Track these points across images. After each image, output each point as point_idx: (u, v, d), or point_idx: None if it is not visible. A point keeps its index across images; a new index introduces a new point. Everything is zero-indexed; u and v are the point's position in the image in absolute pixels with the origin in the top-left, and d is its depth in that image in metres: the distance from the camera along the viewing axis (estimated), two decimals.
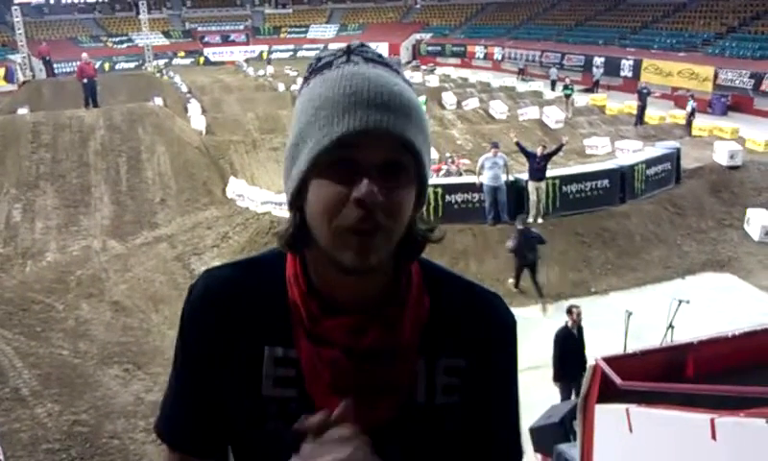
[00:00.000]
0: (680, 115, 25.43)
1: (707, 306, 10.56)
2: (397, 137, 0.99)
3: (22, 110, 22.94)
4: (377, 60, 1.05)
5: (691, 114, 24.21)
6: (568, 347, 8.95)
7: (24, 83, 31.42)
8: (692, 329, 7.47)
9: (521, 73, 39.53)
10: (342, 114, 0.98)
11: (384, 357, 1.10)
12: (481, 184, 14.04)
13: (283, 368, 1.13)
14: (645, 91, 25.93)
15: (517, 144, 15.09)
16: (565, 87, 27.94)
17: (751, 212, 14.87)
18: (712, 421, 3.61)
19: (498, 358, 1.20)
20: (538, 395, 7.75)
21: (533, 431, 6.94)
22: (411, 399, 1.14)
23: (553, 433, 6.68)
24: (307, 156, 1.01)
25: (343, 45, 1.09)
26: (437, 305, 1.16)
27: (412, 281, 1.15)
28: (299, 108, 1.06)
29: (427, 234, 1.13)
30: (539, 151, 14.43)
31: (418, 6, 57.66)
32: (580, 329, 9.18)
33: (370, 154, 0.99)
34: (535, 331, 9.60)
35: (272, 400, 1.13)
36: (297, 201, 1.06)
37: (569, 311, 9.24)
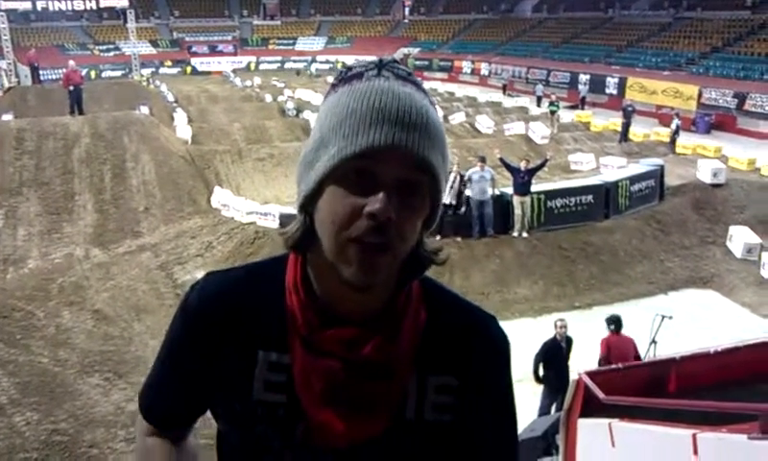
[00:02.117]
0: (664, 133, 25.66)
1: (689, 322, 10.63)
2: (419, 157, 0.99)
3: (6, 117, 22.76)
4: (407, 77, 1.05)
5: (675, 132, 24.44)
6: (552, 358, 8.99)
7: (9, 89, 31.19)
8: (675, 345, 7.53)
9: (506, 89, 39.75)
10: (368, 127, 0.98)
11: (379, 371, 1.10)
12: (468, 198, 14.09)
13: (275, 373, 1.13)
14: (630, 109, 26.15)
15: (501, 160, 15.15)
16: (551, 104, 28.11)
17: (733, 230, 15.01)
18: (694, 436, 3.62)
19: (492, 380, 1.20)
20: (525, 408, 7.75)
21: None
22: (400, 415, 1.13)
23: (536, 447, 6.68)
24: (327, 162, 1.01)
25: (375, 58, 1.09)
26: (433, 323, 1.16)
27: (411, 296, 1.14)
28: (322, 114, 1.06)
29: (432, 256, 1.13)
30: (522, 165, 14.50)
31: (406, 20, 57.96)
32: (569, 342, 9.22)
33: (389, 170, 0.99)
34: (523, 345, 9.59)
35: (262, 404, 1.13)
36: (308, 204, 1.06)
37: (555, 325, 9.33)
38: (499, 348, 1.20)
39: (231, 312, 1.15)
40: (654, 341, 8.57)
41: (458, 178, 13.84)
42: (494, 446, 1.22)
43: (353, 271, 1.01)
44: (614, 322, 9.25)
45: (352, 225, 0.99)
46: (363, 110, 0.99)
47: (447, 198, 13.47)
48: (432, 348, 1.15)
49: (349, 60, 49.55)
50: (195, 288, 1.20)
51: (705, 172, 17.75)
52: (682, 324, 9.52)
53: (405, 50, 51.55)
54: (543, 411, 8.74)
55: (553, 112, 27.54)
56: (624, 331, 9.30)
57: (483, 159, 14.37)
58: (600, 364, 9.04)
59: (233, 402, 1.15)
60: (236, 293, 1.17)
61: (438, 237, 12.76)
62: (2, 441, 7.93)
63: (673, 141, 24.34)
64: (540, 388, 9.03)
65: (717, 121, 28.59)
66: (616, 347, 8.96)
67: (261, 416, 1.13)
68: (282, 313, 1.13)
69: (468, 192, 14.11)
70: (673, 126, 24.66)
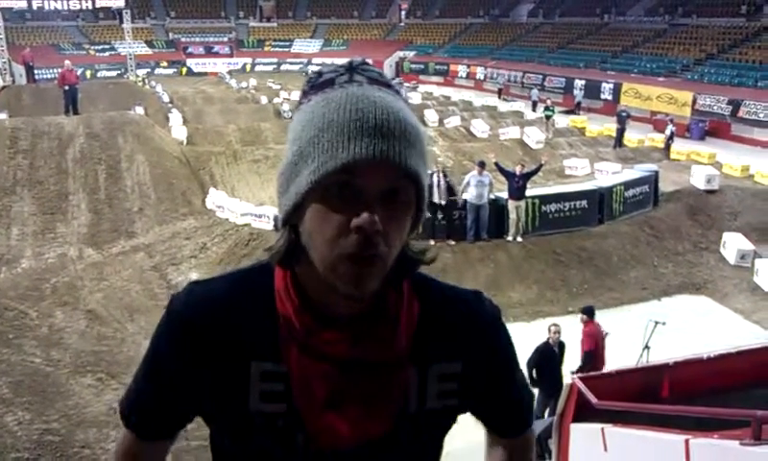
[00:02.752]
0: (658, 139, 25.74)
1: (682, 328, 10.65)
2: (401, 167, 0.99)
3: (1, 115, 22.71)
4: (380, 80, 1.04)
5: (670, 138, 24.51)
6: (545, 363, 9.00)
7: (3, 88, 31.11)
8: (668, 351, 7.54)
9: (501, 93, 39.80)
10: (347, 140, 0.97)
11: (379, 369, 1.10)
12: (464, 202, 14.11)
13: (271, 383, 1.12)
14: (624, 114, 26.20)
15: (496, 165, 15.15)
16: (546, 108, 28.16)
17: (727, 236, 15.06)
18: (687, 441, 3.63)
19: (493, 353, 1.24)
20: None
21: None
22: (403, 409, 1.14)
23: None
24: (308, 177, 0.99)
25: (344, 61, 1.07)
26: (425, 312, 1.16)
27: (402, 291, 1.15)
28: (298, 125, 1.04)
29: (420, 256, 1.14)
30: (517, 169, 14.52)
31: (402, 24, 57.96)
32: (561, 347, 9.25)
33: (372, 181, 0.98)
34: (517, 349, 9.58)
35: (259, 415, 1.13)
36: (291, 218, 1.05)
37: (549, 329, 9.35)
38: (494, 320, 1.25)
39: (219, 322, 1.13)
40: (647, 346, 8.60)
41: (440, 175, 13.84)
42: (508, 393, 1.32)
43: (347, 285, 1.01)
44: (589, 311, 9.61)
45: (341, 240, 0.98)
46: (340, 122, 0.97)
47: (436, 197, 13.54)
48: (429, 338, 1.15)
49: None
50: (179, 297, 1.17)
51: (699, 178, 17.80)
52: (675, 330, 9.54)
53: (401, 53, 51.59)
54: (536, 416, 8.75)
55: (548, 117, 27.59)
56: (617, 337, 9.35)
57: (482, 164, 14.36)
58: (587, 358, 9.16)
59: (227, 414, 1.14)
60: (223, 302, 1.15)
61: (431, 242, 12.79)
62: None
63: (668, 147, 24.43)
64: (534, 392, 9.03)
65: (711, 127, 28.68)
66: (598, 335, 9.41)
67: (260, 427, 1.12)
68: (274, 321, 1.11)
69: (465, 196, 14.12)
70: (667, 132, 24.75)
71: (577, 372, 8.15)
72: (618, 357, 8.84)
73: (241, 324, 1.13)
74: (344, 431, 1.09)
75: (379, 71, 1.07)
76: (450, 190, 14.01)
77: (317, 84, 1.05)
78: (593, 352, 9.23)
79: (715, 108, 28.86)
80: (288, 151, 1.04)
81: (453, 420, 1.24)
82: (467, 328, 1.19)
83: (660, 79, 33.96)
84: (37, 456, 7.77)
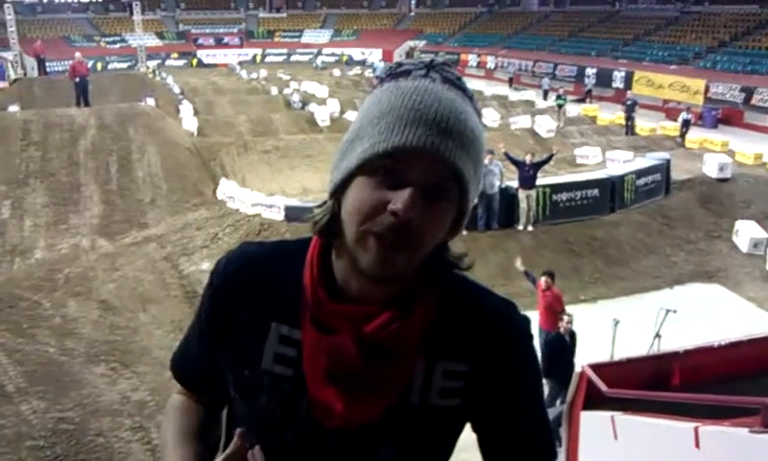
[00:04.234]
0: (670, 127, 25.54)
1: (694, 317, 10.62)
2: (449, 164, 1.00)
3: (13, 108, 22.85)
4: (455, 82, 1.06)
5: (684, 126, 24.25)
6: (558, 353, 9.00)
7: (15, 80, 31.27)
8: (679, 339, 7.51)
9: (512, 82, 39.62)
10: (403, 127, 0.99)
11: (383, 353, 1.11)
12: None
13: (285, 346, 1.15)
14: (630, 102, 25.94)
15: (506, 154, 15.10)
16: (558, 97, 27.98)
17: (739, 224, 14.98)
18: (696, 429, 3.63)
19: (508, 365, 1.18)
20: None
21: None
22: (404, 399, 1.14)
23: None
24: (359, 154, 1.03)
25: (427, 57, 1.11)
26: (446, 307, 1.16)
27: (425, 286, 1.15)
28: (364, 106, 1.08)
29: (457, 262, 1.16)
30: (527, 159, 14.48)
31: (412, 13, 57.78)
32: (573, 336, 9.25)
33: (418, 171, 1.00)
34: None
35: (268, 374, 1.16)
36: (338, 192, 1.08)
37: (561, 319, 9.34)
38: (516, 333, 1.20)
39: (250, 279, 1.19)
40: (658, 335, 8.56)
41: None
42: (525, 424, 1.21)
43: (370, 261, 1.03)
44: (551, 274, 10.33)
45: (375, 218, 1.01)
46: (401, 109, 1.00)
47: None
48: (444, 334, 1.15)
49: (356, 52, 49.64)
50: (225, 255, 1.26)
51: (711, 166, 17.69)
52: (687, 318, 9.52)
53: (411, 43, 51.41)
54: (548, 404, 8.76)
55: (560, 106, 27.41)
56: (629, 326, 9.35)
57: (491, 152, 14.31)
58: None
59: (242, 369, 1.18)
60: (260, 264, 1.22)
61: None
62: (9, 429, 7.98)
63: (682, 135, 24.18)
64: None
65: (724, 115, 28.42)
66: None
67: (267, 386, 1.16)
68: (299, 290, 1.15)
69: None
70: (680, 120, 24.51)
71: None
72: (630, 346, 8.81)
73: (271, 285, 1.18)
74: (338, 408, 1.11)
75: (457, 74, 1.09)
76: None
77: (394, 73, 1.08)
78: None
79: (728, 95, 28.63)
80: (350, 129, 1.08)
81: (458, 423, 1.21)
82: (483, 331, 1.17)
83: (672, 67, 33.71)
84: (52, 444, 7.84)
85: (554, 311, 9.84)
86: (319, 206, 1.14)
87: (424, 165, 1.00)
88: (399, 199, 0.99)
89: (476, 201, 1.11)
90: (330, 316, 1.11)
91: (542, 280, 10.25)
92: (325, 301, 1.12)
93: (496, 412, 1.19)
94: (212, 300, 1.23)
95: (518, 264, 11.26)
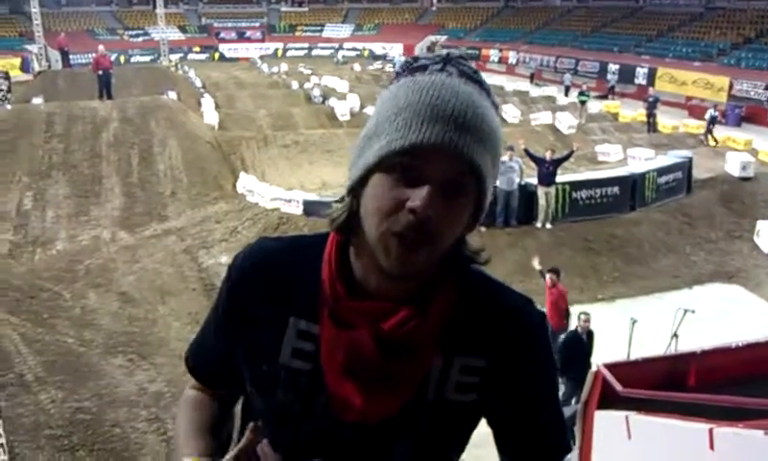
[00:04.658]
0: (693, 125, 25.24)
1: (713, 317, 10.52)
2: (467, 159, 1.00)
3: (37, 100, 23.07)
4: (472, 76, 1.06)
5: (711, 123, 23.89)
6: (575, 352, 8.97)
7: (39, 73, 31.59)
8: (697, 340, 7.44)
9: (533, 78, 39.41)
10: (420, 123, 0.99)
11: (401, 349, 1.11)
12: (494, 187, 14.04)
13: (303, 341, 1.16)
14: (651, 99, 25.69)
15: (526, 151, 15.03)
16: (581, 93, 27.75)
17: (761, 224, 14.78)
18: (711, 430, 3.59)
19: (525, 360, 1.19)
20: None
21: None
22: (421, 395, 1.14)
23: None
24: (377, 151, 1.03)
25: (443, 52, 1.10)
26: (464, 303, 1.16)
27: (444, 282, 1.15)
28: (381, 102, 1.08)
29: (474, 256, 1.16)
30: (547, 155, 14.41)
31: (434, 8, 57.64)
32: (590, 335, 9.21)
33: (436, 168, 1.00)
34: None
35: (286, 369, 1.17)
36: (356, 189, 1.08)
37: (578, 318, 9.31)
38: (534, 329, 1.20)
39: (269, 273, 1.20)
40: (676, 335, 8.50)
41: None
42: (539, 419, 1.23)
43: (391, 261, 1.04)
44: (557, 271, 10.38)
45: (394, 217, 1.01)
46: (418, 105, 1.00)
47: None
48: (461, 330, 1.15)
49: (377, 47, 49.60)
50: (243, 249, 1.26)
51: (733, 165, 17.50)
52: (706, 319, 9.44)
53: (433, 37, 51.29)
54: (563, 403, 8.72)
55: (583, 102, 27.20)
56: (648, 325, 9.29)
57: (511, 148, 14.26)
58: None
59: (260, 363, 1.19)
60: (277, 256, 1.22)
61: None
62: (28, 417, 8.08)
63: (709, 132, 23.77)
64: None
65: (748, 113, 28.12)
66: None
67: (284, 381, 1.16)
68: (318, 285, 1.15)
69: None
70: (707, 116, 24.12)
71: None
72: (648, 345, 8.75)
73: (289, 279, 1.19)
74: (356, 403, 1.11)
75: (474, 68, 1.09)
76: None
77: (411, 67, 1.08)
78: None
79: (752, 93, 28.34)
80: (367, 125, 1.08)
81: (474, 418, 1.22)
82: (502, 326, 1.17)
83: (696, 63, 33.36)
84: (70, 434, 7.94)
85: (559, 309, 9.86)
86: (337, 202, 1.14)
87: (442, 161, 1.00)
88: (418, 196, 0.99)
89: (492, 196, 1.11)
90: (348, 312, 1.12)
91: (548, 278, 10.25)
92: (344, 296, 1.12)
93: (513, 407, 1.20)
94: (230, 294, 1.23)
95: (535, 263, 11.25)
